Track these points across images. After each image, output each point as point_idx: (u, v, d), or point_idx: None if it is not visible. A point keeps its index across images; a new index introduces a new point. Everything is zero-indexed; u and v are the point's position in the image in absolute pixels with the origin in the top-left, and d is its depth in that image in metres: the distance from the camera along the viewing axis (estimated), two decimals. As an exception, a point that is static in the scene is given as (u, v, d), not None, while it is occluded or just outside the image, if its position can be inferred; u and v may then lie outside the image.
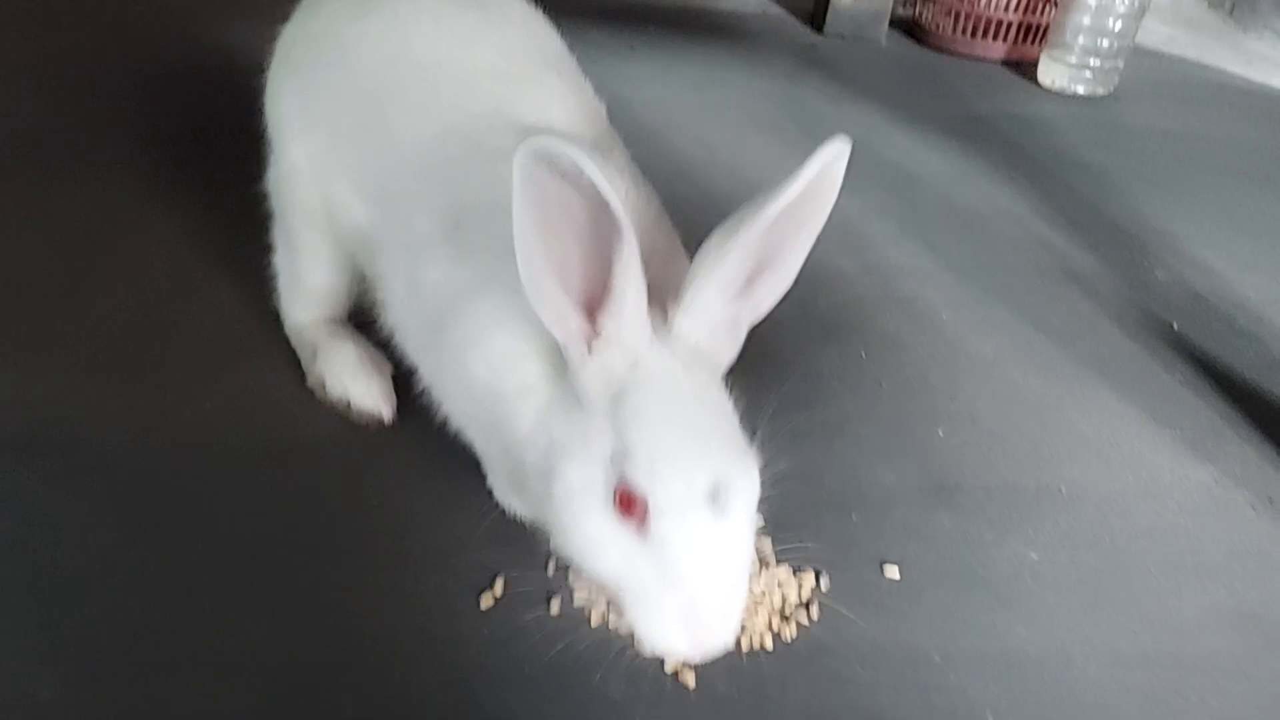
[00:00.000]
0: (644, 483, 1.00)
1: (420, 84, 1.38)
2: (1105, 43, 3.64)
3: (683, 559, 1.01)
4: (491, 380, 1.17)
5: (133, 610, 1.22)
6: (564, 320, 1.04)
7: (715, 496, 1.01)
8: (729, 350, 1.14)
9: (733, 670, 1.22)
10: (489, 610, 1.27)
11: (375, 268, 1.40)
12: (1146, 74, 4.07)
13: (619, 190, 1.04)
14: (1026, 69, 3.90)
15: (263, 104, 1.58)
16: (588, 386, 1.06)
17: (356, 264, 1.51)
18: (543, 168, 0.94)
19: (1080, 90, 3.71)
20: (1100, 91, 3.73)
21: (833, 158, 1.05)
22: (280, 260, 1.62)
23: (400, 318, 1.38)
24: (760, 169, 2.66)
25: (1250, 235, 2.68)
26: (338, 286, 1.58)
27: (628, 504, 1.02)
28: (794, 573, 1.36)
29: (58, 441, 1.45)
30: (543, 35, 1.51)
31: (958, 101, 3.56)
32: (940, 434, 1.72)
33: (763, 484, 1.09)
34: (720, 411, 1.09)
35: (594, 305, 1.04)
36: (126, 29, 3.08)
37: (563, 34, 3.71)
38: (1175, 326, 2.14)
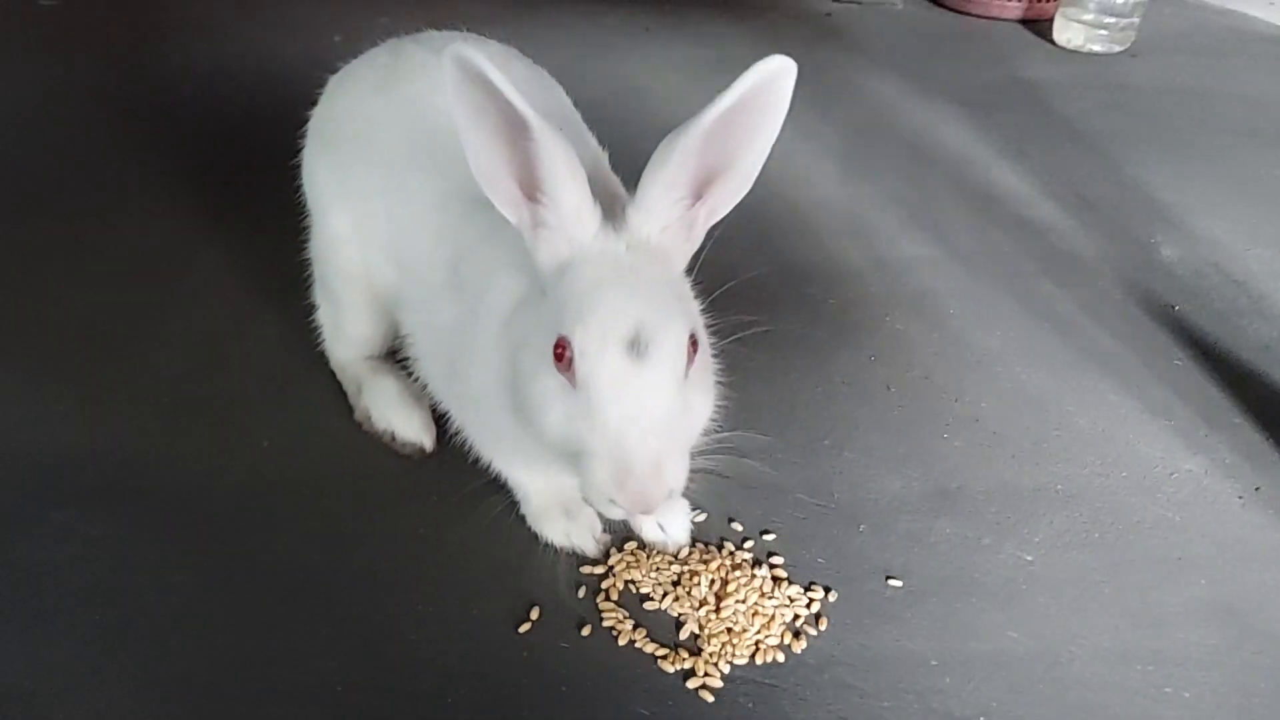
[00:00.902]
0: (570, 329, 1.13)
1: (432, 149, 1.51)
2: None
3: (602, 400, 1.11)
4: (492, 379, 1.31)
5: (216, 647, 1.38)
6: (515, 206, 1.21)
7: (635, 343, 1.11)
8: (684, 248, 1.26)
9: (747, 683, 1.37)
10: (526, 634, 1.41)
11: (404, 324, 1.54)
12: (1166, 24, 4.06)
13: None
14: (1043, 28, 3.92)
15: (299, 180, 1.72)
16: (540, 266, 1.22)
17: (393, 318, 1.65)
18: (460, 73, 1.12)
19: (1096, 48, 3.73)
20: (1116, 49, 3.74)
21: (770, 75, 1.17)
22: (323, 316, 1.78)
23: (425, 365, 1.54)
24: (773, 158, 2.72)
25: (1261, 202, 2.73)
26: (377, 336, 1.74)
27: (560, 353, 1.14)
28: (805, 589, 1.49)
29: (136, 489, 1.60)
30: (546, 92, 1.61)
31: (972, 68, 3.59)
32: (945, 437, 1.83)
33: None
34: (659, 285, 1.20)
35: (537, 195, 1.20)
36: (163, 61, 3.19)
37: (578, 20, 3.78)
38: (1176, 309, 2.22)
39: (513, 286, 1.30)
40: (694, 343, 1.18)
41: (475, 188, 1.37)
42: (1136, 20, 3.72)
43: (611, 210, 1.22)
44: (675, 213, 1.23)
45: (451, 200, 1.46)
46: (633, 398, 1.11)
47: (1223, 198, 2.74)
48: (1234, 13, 4.30)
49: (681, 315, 1.18)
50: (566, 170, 1.17)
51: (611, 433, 1.11)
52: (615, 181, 1.46)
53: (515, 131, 1.16)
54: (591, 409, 1.12)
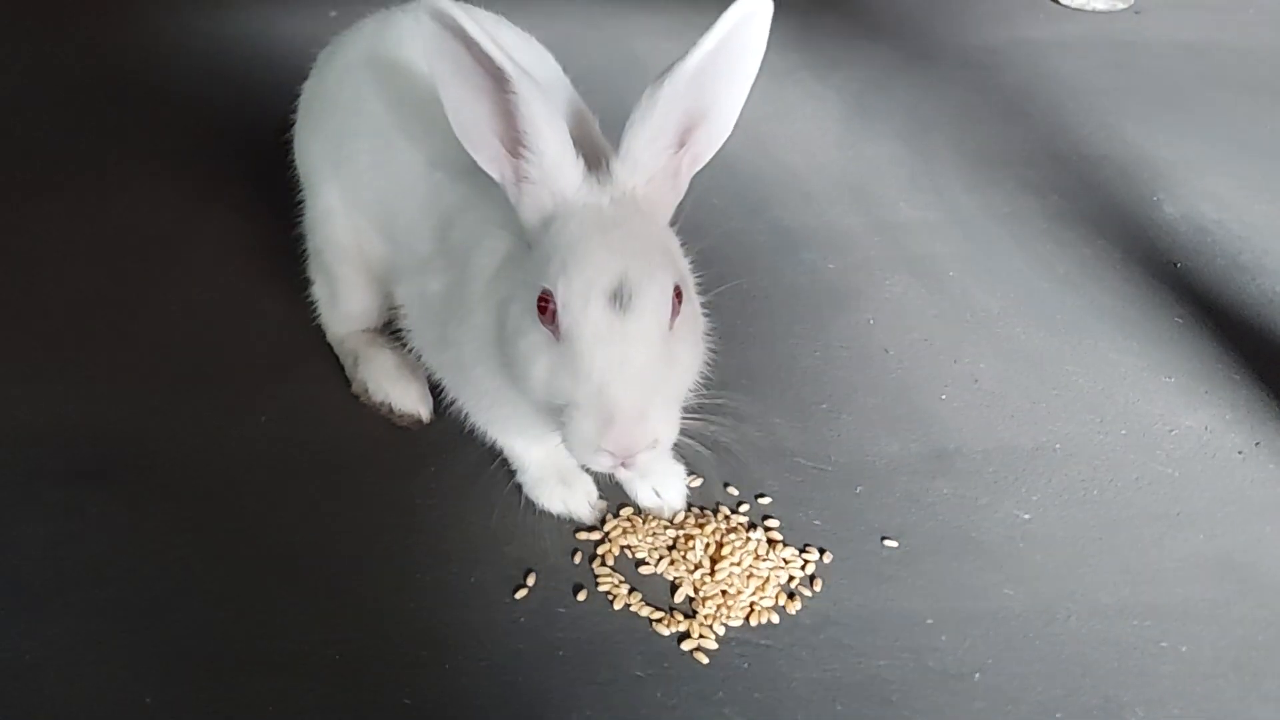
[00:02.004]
0: (553, 282, 1.14)
1: (420, 118, 1.51)
2: (1125, -45, 3.60)
3: (586, 351, 1.12)
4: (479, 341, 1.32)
5: (215, 620, 1.39)
6: (497, 162, 1.23)
7: (618, 295, 1.12)
8: (670, 197, 1.28)
9: (743, 644, 1.37)
10: (523, 600, 1.42)
11: (396, 296, 1.55)
12: (1169, -21, 4.00)
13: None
14: (1047, -14, 3.86)
15: (292, 156, 1.72)
16: (525, 221, 1.23)
17: (387, 290, 1.65)
18: (439, 27, 1.15)
19: (1100, 6, 3.68)
20: (1120, 5, 3.69)
21: (746, 15, 1.18)
22: (319, 291, 1.78)
23: (418, 335, 1.54)
24: (773, 121, 2.72)
25: (1265, 157, 2.70)
26: (373, 309, 1.75)
27: (544, 306, 1.15)
28: (800, 551, 1.49)
29: (134, 465, 1.61)
30: (534, 58, 1.60)
31: (976, 29, 3.55)
32: (943, 398, 1.83)
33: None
34: (644, 237, 1.21)
35: (518, 150, 1.21)
36: (158, 38, 3.18)
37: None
38: (1178, 266, 2.21)
39: (499, 246, 1.31)
40: (679, 295, 1.18)
41: (461, 155, 1.37)
42: (1141, -24, 3.67)
43: (597, 165, 1.23)
44: (660, 163, 1.23)
45: (438, 168, 1.46)
46: (616, 348, 1.12)
47: (1226, 154, 2.70)
48: (1240, -34, 4.23)
49: (665, 267, 1.18)
50: (547, 122, 1.17)
51: (595, 383, 1.12)
52: (605, 143, 1.45)
53: (495, 85, 1.17)
54: (575, 360, 1.13)
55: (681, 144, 1.25)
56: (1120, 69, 3.25)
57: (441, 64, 1.18)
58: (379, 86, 1.55)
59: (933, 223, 2.38)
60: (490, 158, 1.23)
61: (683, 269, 1.27)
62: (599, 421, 1.11)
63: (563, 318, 1.13)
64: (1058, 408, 1.81)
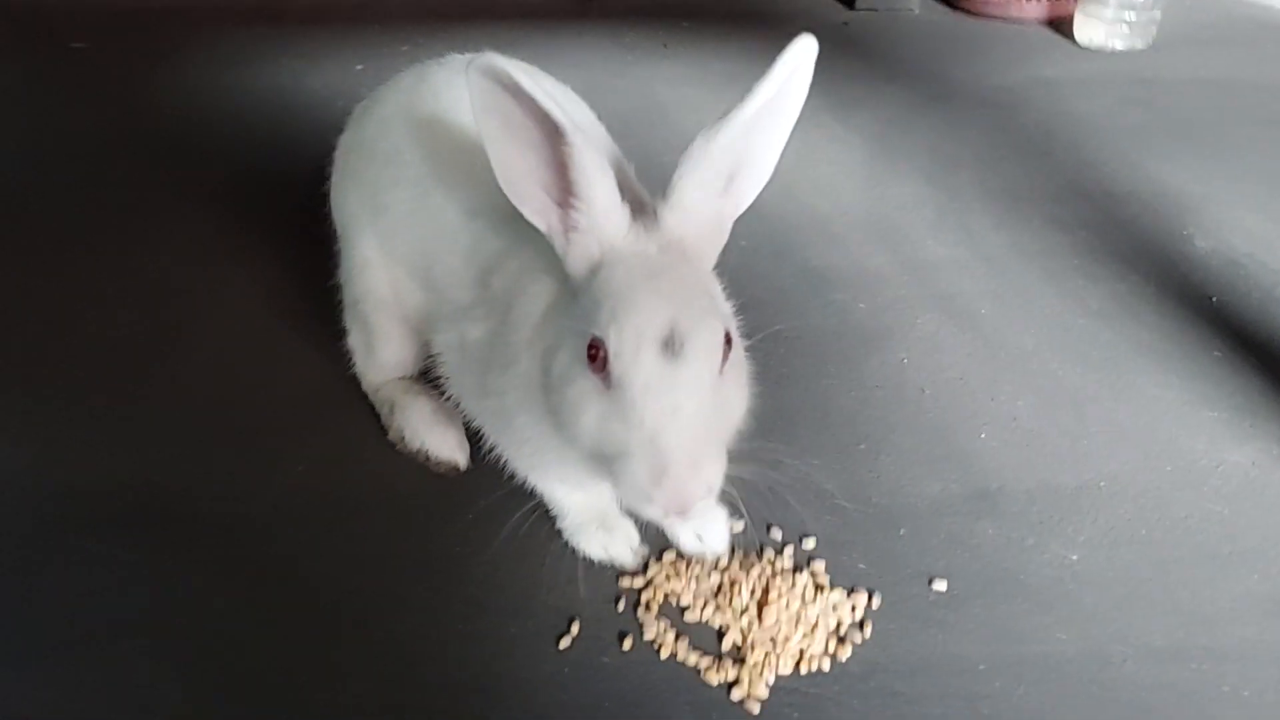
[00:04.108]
0: (604, 330, 1.13)
1: (458, 167, 1.52)
2: (1140, -5, 3.62)
3: (638, 400, 1.11)
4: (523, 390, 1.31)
5: (255, 671, 1.37)
6: (545, 213, 1.23)
7: (670, 342, 1.11)
8: (715, 243, 1.28)
9: (791, 692, 1.35)
10: (566, 650, 1.40)
11: (434, 344, 1.54)
12: (1186, 17, 4.04)
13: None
14: (1064, 27, 3.89)
15: (326, 208, 1.73)
16: (571, 270, 1.23)
17: (424, 338, 1.65)
18: (489, 83, 1.16)
19: (1118, 45, 3.70)
20: (1139, 45, 3.71)
21: (799, 57, 1.19)
22: (354, 340, 1.78)
23: (457, 383, 1.53)
24: (797, 164, 2.72)
25: (1292, 190, 2.69)
26: (409, 357, 1.75)
27: (594, 354, 1.14)
28: (847, 595, 1.47)
29: (170, 515, 1.61)
30: (572, 104, 1.61)
31: (994, 70, 3.58)
32: (983, 437, 1.81)
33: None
34: (691, 283, 1.20)
35: (567, 200, 1.21)
36: (191, 96, 3.23)
37: (598, 39, 3.82)
38: (1214, 300, 2.19)
39: (543, 292, 1.30)
40: (728, 340, 1.17)
41: (500, 201, 1.37)
42: (1157, 15, 3.70)
43: (640, 212, 1.23)
44: (707, 210, 1.23)
45: (477, 216, 1.46)
46: (668, 396, 1.10)
47: (1253, 188, 2.70)
48: (1255, 4, 4.27)
49: (714, 313, 1.17)
50: (598, 172, 1.18)
51: (647, 431, 1.10)
52: (641, 189, 1.45)
53: (544, 138, 1.18)
54: (627, 408, 1.11)
55: (725, 190, 1.25)
56: (1141, 106, 3.27)
57: (490, 119, 1.19)
58: (416, 137, 1.56)
59: (962, 261, 2.38)
60: (538, 209, 1.23)
61: (728, 314, 1.27)
62: (653, 470, 1.10)
63: (614, 365, 1.12)
64: (1100, 445, 1.79)
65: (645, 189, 1.45)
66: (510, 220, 1.40)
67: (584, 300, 1.20)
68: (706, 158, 1.19)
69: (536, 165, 1.21)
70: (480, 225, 1.46)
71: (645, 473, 1.11)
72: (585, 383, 1.16)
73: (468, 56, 1.66)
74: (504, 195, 1.38)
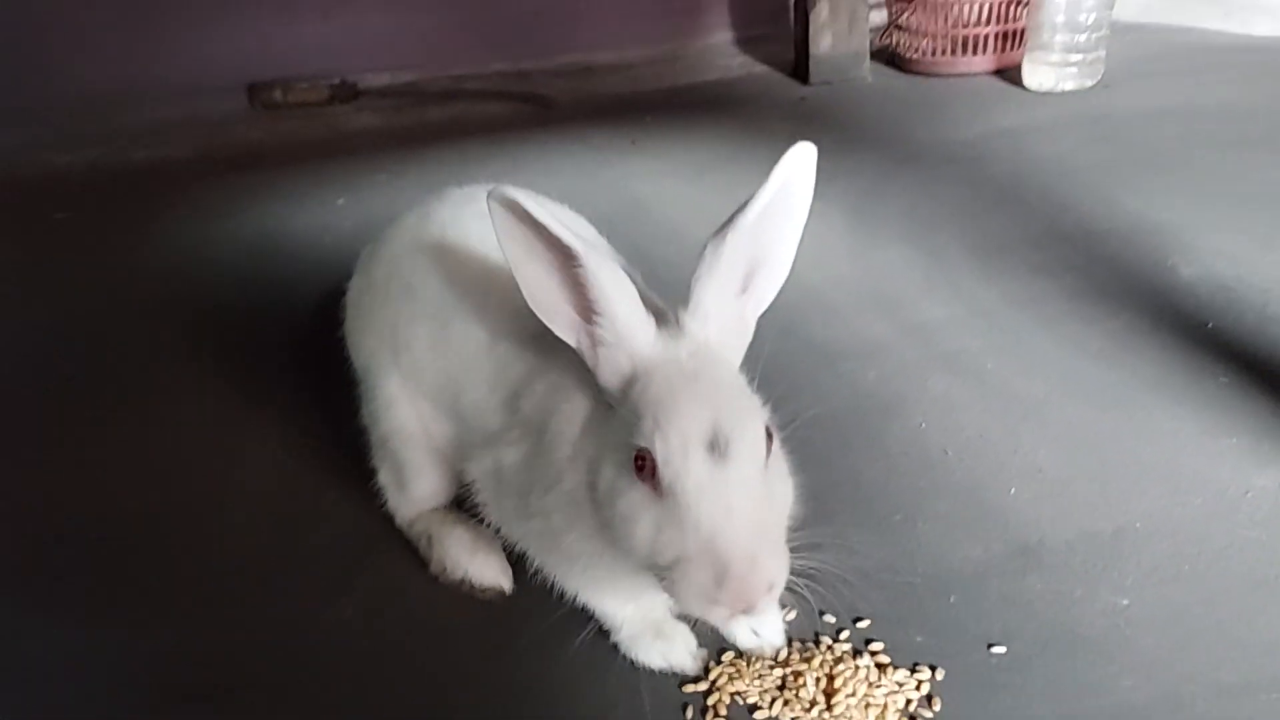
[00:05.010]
0: (649, 440, 1.15)
1: (475, 295, 1.56)
2: (1082, 36, 3.75)
3: (691, 504, 1.13)
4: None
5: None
6: (573, 329, 1.27)
7: (715, 444, 1.14)
8: (739, 342, 1.33)
9: (875, 778, 1.34)
10: (641, 771, 1.40)
11: (468, 473, 1.56)
12: (1130, 51, 4.17)
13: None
14: (1013, 75, 4.02)
15: (343, 351, 1.77)
16: (605, 384, 1.26)
17: (456, 468, 1.67)
18: (504, 211, 1.22)
19: (1069, 86, 3.82)
20: (1088, 83, 3.83)
21: (798, 161, 1.26)
22: (385, 478, 1.79)
23: (496, 509, 1.54)
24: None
25: (1265, 208, 2.77)
26: (442, 488, 1.76)
27: (641, 465, 1.17)
28: (911, 671, 1.47)
29: (231, 684, 1.59)
30: (578, 224, 1.66)
31: (954, 126, 3.68)
32: (1013, 492, 1.83)
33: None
34: (726, 384, 1.24)
35: (591, 317, 1.26)
36: (181, 253, 3.28)
37: (567, 143, 3.89)
38: (1210, 326, 2.24)
39: (577, 410, 1.33)
40: (769, 434, 1.21)
41: (519, 325, 1.41)
42: (1102, 53, 3.82)
43: (663, 321, 1.26)
44: (727, 310, 1.28)
45: (499, 342, 1.50)
46: (721, 497, 1.13)
47: (1227, 211, 2.78)
48: (1193, 29, 4.42)
49: (753, 410, 1.22)
50: (616, 289, 1.22)
51: (704, 534, 1.12)
52: (655, 297, 1.50)
53: (562, 260, 1.23)
54: (682, 514, 1.14)
55: (744, 289, 1.30)
56: (1102, 143, 3.36)
57: (512, 245, 1.25)
58: (430, 271, 1.60)
59: (958, 318, 2.42)
60: (566, 326, 1.28)
61: (761, 408, 1.30)
62: (713, 573, 1.12)
63: (664, 473, 1.15)
64: (1128, 485, 1.81)
65: (657, 294, 1.50)
66: (532, 342, 1.44)
67: (623, 412, 1.23)
68: (719, 262, 1.24)
69: (559, 284, 1.26)
70: (503, 350, 1.50)
71: (707, 576, 1.12)
72: (635, 494, 1.19)
73: (465, 191, 1.73)
74: (523, 319, 1.42)
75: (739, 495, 1.14)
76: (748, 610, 1.14)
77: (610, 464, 1.23)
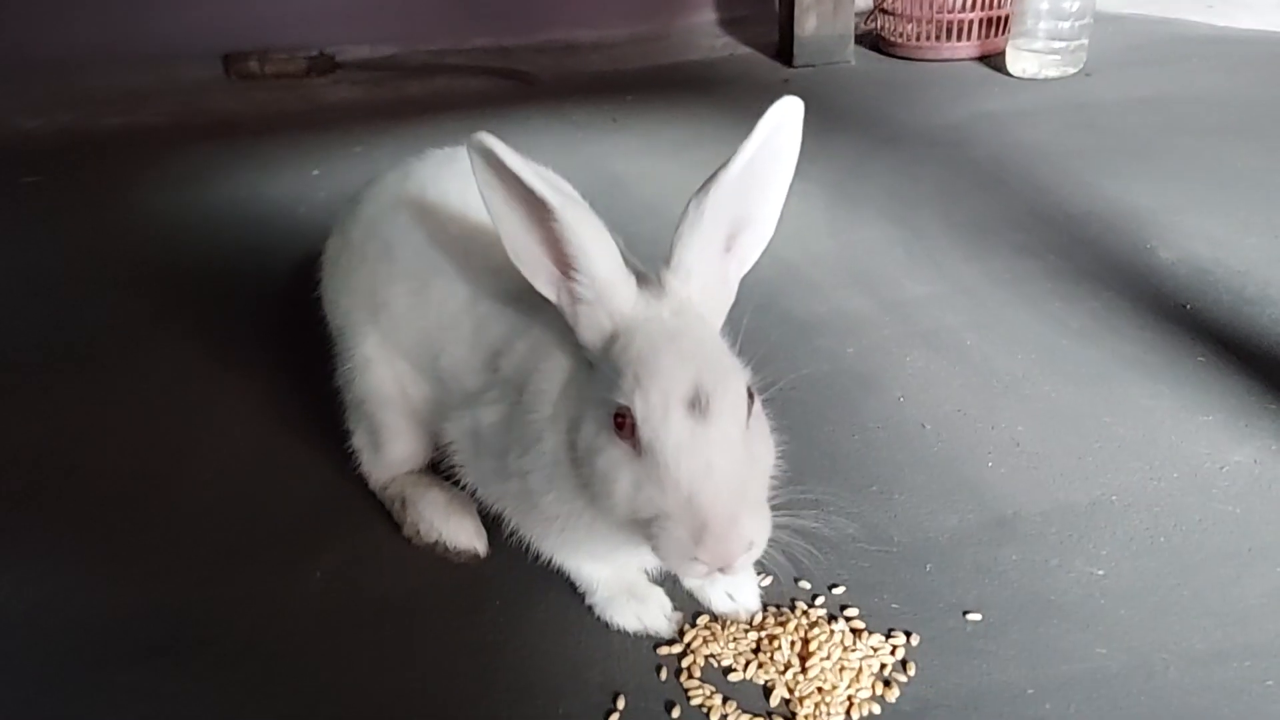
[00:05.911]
0: (629, 398, 1.14)
1: (455, 255, 1.53)
2: (1066, 24, 3.76)
3: (672, 461, 1.12)
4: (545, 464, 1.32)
5: (303, 788, 1.34)
6: (554, 285, 1.26)
7: (695, 402, 1.13)
8: (722, 302, 1.31)
9: (848, 741, 1.34)
10: (617, 726, 1.39)
11: (445, 434, 1.54)
12: (1113, 41, 4.18)
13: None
14: (997, 61, 4.02)
15: (323, 312, 1.74)
16: (585, 342, 1.25)
17: (432, 430, 1.65)
18: (484, 160, 1.20)
19: (1051, 74, 3.83)
20: (1070, 71, 3.84)
21: (783, 117, 1.23)
22: (359, 440, 1.77)
23: (473, 469, 1.52)
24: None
25: (1242, 193, 2.78)
26: (418, 451, 1.73)
27: (621, 422, 1.15)
28: (886, 637, 1.47)
29: (196, 640, 1.57)
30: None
31: (937, 109, 3.68)
32: (990, 465, 1.83)
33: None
34: (709, 343, 1.23)
35: (569, 273, 1.24)
36: (151, 218, 3.23)
37: (547, 119, 3.87)
38: (1188, 307, 2.25)
39: (557, 368, 1.32)
40: (750, 394, 1.19)
41: (500, 285, 1.38)
42: (1085, 42, 3.83)
43: (644, 280, 1.25)
44: (710, 270, 1.26)
45: (479, 301, 1.48)
46: (701, 455, 1.12)
47: (1204, 196, 2.79)
48: (1175, 20, 4.44)
49: (735, 369, 1.20)
50: (594, 245, 1.21)
51: (684, 491, 1.11)
52: (635, 260, 1.48)
53: (541, 214, 1.21)
54: (661, 471, 1.12)
55: (728, 249, 1.28)
56: (1084, 129, 3.37)
57: (493, 196, 1.23)
58: (409, 230, 1.57)
59: (939, 295, 2.42)
60: (547, 281, 1.26)
61: (742, 369, 1.28)
62: (692, 530, 1.11)
63: (643, 431, 1.13)
64: (1104, 460, 1.82)
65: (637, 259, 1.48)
66: (513, 302, 1.42)
67: (603, 370, 1.21)
68: (701, 219, 1.22)
69: (540, 238, 1.24)
70: (483, 310, 1.48)
71: (686, 533, 1.11)
72: (615, 451, 1.17)
73: (446, 152, 1.70)
74: (504, 278, 1.40)
75: (719, 453, 1.13)
76: (726, 568, 1.13)
77: (590, 421, 1.21)
